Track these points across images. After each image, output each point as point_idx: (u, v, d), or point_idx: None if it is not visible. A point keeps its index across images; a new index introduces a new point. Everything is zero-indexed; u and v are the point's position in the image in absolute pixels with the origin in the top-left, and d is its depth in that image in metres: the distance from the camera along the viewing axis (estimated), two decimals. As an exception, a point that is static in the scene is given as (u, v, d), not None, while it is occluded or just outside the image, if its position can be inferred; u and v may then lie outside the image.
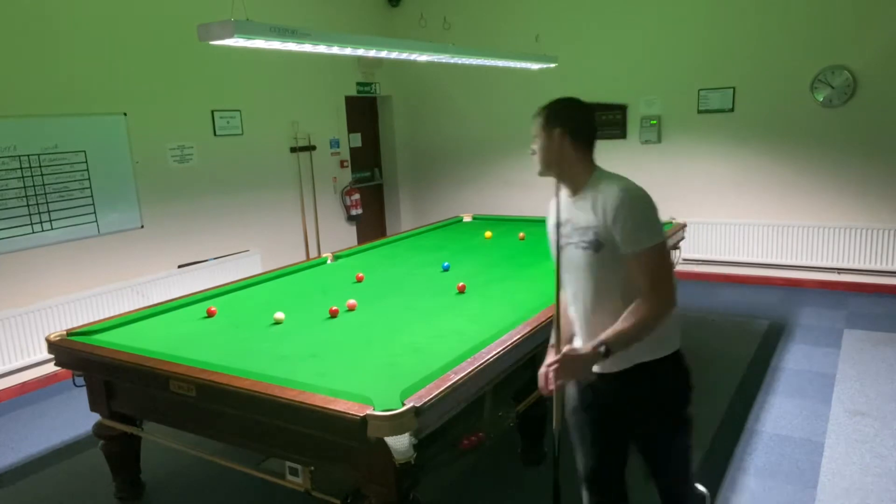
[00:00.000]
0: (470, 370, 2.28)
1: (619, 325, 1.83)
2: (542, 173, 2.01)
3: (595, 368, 1.88)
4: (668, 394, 2.00)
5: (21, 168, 4.36)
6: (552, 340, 2.02)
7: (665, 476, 2.12)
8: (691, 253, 6.21)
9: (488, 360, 2.38)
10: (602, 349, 1.80)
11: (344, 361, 2.56)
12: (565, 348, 1.86)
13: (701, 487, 2.30)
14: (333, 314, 3.09)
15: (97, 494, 3.14)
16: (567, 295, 2.04)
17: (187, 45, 5.20)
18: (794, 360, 4.35)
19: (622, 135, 6.51)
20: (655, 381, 1.96)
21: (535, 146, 1.98)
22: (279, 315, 3.07)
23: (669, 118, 6.32)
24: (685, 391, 2.01)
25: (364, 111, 7.56)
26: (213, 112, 5.61)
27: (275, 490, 2.50)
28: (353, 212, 7.08)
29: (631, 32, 6.34)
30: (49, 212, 4.52)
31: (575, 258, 1.94)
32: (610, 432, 2.10)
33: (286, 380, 2.26)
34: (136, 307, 3.43)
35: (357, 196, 7.08)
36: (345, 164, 7.03)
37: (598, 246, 1.88)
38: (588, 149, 2.00)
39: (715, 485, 2.96)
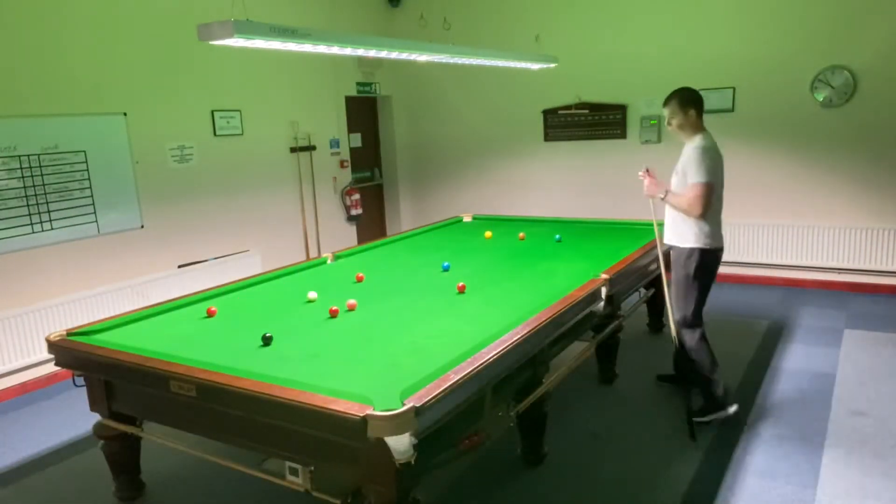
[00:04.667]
0: (470, 370, 2.28)
1: (676, 195, 3.42)
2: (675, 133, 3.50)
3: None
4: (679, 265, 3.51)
5: (21, 168, 4.36)
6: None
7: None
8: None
9: (488, 360, 2.38)
10: (662, 194, 3.46)
11: (344, 362, 2.56)
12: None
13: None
14: (333, 314, 3.09)
15: (97, 494, 3.14)
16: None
17: (187, 45, 5.20)
18: (794, 360, 4.35)
19: (622, 135, 6.51)
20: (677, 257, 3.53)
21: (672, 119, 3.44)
22: (312, 294, 3.35)
23: (669, 118, 6.30)
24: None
25: (364, 111, 7.56)
26: (213, 112, 5.61)
27: (275, 490, 2.50)
28: (353, 212, 7.08)
29: (631, 32, 6.34)
30: (49, 212, 4.52)
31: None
32: None
33: (286, 380, 2.26)
34: (136, 307, 3.43)
35: (357, 196, 7.08)
36: (345, 164, 7.03)
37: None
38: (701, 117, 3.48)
39: (715, 485, 2.97)
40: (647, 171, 3.58)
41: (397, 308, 3.22)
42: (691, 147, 3.38)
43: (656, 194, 3.48)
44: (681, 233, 3.48)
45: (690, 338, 3.53)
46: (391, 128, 7.74)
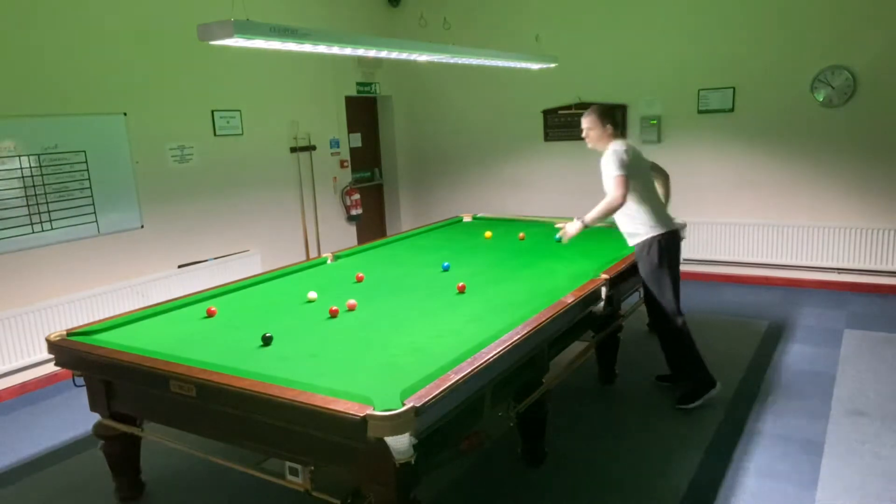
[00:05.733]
0: (470, 370, 2.28)
1: (594, 210, 3.53)
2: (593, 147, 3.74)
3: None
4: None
5: (21, 168, 4.36)
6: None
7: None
8: (692, 253, 6.22)
9: (488, 360, 2.38)
10: (580, 222, 3.61)
11: (344, 361, 2.56)
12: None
13: None
14: (333, 314, 3.09)
15: (97, 494, 3.14)
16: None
17: (187, 45, 5.20)
18: (794, 360, 4.35)
19: (622, 135, 6.48)
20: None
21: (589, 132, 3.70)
22: (312, 294, 3.36)
23: (669, 118, 6.32)
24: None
25: (364, 111, 7.56)
26: (213, 112, 5.61)
27: (275, 490, 2.50)
28: (353, 212, 7.08)
29: (631, 32, 6.34)
30: (49, 212, 4.52)
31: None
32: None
33: (286, 380, 2.26)
34: (136, 307, 3.43)
35: (357, 196, 7.08)
36: (345, 164, 7.03)
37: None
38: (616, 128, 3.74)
39: (715, 485, 2.97)
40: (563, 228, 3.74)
41: (397, 308, 3.22)
42: (605, 154, 3.61)
43: (576, 228, 3.64)
44: (634, 232, 3.72)
45: (675, 327, 3.73)
46: (391, 128, 7.74)
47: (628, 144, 3.67)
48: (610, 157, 3.56)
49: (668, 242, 3.68)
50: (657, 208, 3.71)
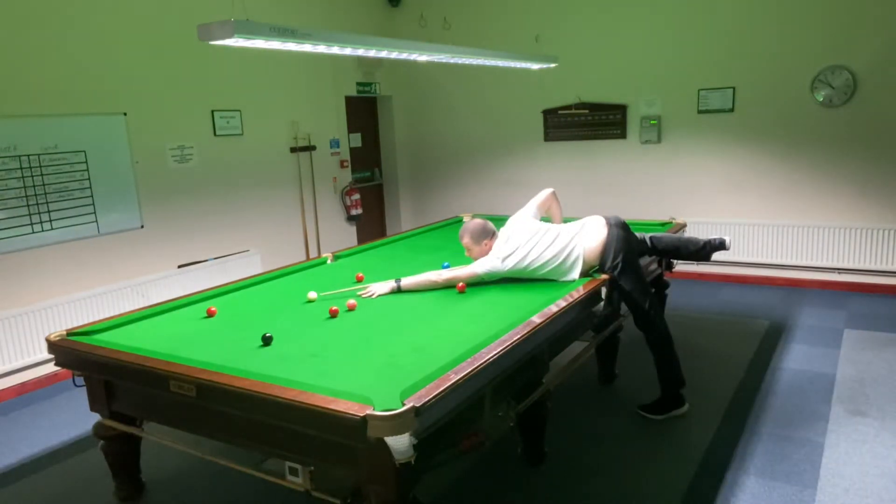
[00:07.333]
0: (470, 370, 2.27)
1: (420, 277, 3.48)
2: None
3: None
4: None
5: (21, 168, 4.36)
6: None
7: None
8: (691, 253, 6.21)
9: (488, 360, 2.38)
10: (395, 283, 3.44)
11: (344, 361, 2.56)
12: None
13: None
14: (333, 314, 3.09)
15: (97, 494, 3.14)
16: None
17: (187, 45, 5.20)
18: (794, 360, 4.35)
19: (622, 135, 6.51)
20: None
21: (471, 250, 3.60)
22: (312, 294, 3.34)
23: (669, 118, 6.32)
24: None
25: (364, 111, 7.57)
26: (213, 112, 5.61)
27: (275, 490, 2.50)
28: (353, 212, 7.08)
29: (631, 32, 6.35)
30: (49, 212, 4.52)
31: None
32: None
33: (286, 380, 2.25)
34: (136, 307, 3.43)
35: (357, 196, 7.08)
36: (345, 164, 7.04)
37: None
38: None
39: (715, 485, 2.97)
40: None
41: (397, 308, 3.21)
42: (492, 254, 3.48)
43: (388, 288, 3.42)
44: (573, 269, 3.48)
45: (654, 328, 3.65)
46: (391, 128, 7.75)
47: (512, 246, 3.45)
48: (488, 259, 3.46)
49: (619, 259, 3.49)
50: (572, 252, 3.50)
